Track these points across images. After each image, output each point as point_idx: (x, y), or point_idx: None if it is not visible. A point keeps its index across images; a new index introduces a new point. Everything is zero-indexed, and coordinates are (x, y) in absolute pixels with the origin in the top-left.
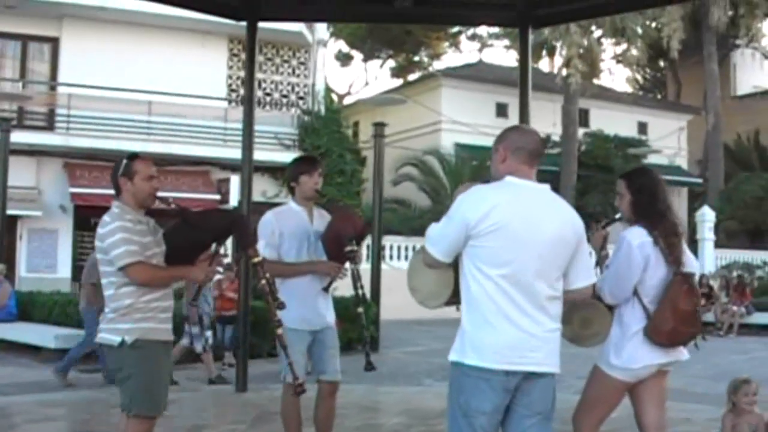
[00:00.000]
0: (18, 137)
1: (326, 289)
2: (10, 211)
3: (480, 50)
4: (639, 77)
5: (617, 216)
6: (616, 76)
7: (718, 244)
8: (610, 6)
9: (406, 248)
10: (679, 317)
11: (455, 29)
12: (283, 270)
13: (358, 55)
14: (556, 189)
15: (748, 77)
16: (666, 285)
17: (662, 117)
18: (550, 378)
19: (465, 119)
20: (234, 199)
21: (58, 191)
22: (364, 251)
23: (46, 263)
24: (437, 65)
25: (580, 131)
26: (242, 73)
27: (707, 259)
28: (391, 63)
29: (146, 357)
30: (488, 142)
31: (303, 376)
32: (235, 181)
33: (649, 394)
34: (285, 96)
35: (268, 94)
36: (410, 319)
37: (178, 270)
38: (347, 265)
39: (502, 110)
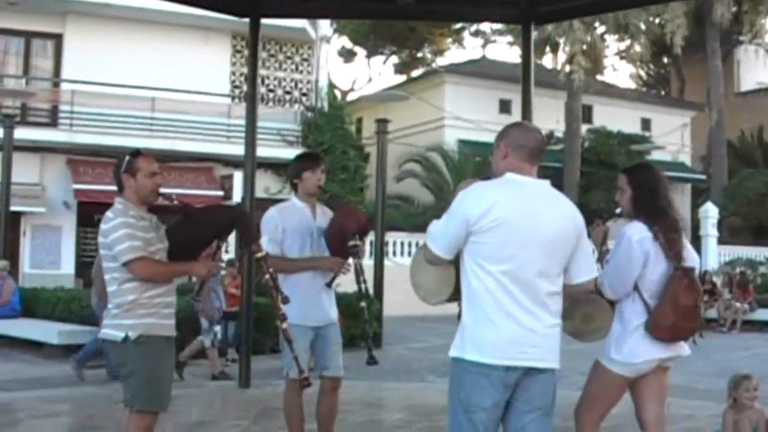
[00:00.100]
0: (21, 134)
1: (329, 285)
2: (13, 208)
3: (483, 46)
4: (642, 74)
5: (617, 211)
6: (619, 72)
7: (722, 241)
8: (611, 3)
9: (409, 244)
10: (679, 312)
11: (458, 25)
12: (286, 266)
13: (361, 52)
14: (559, 186)
15: (751, 74)
16: (666, 280)
17: (666, 113)
18: (551, 373)
19: (468, 116)
20: (237, 196)
21: (62, 188)
22: (367, 247)
23: (49, 259)
24: (440, 61)
25: (584, 128)
26: (245, 70)
27: (710, 256)
28: (394, 59)
29: (149, 353)
30: (491, 138)
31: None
32: (238, 177)
33: (650, 390)
34: (288, 92)
35: (271, 91)
36: (413, 316)
37: (181, 265)
38: (350, 260)
39: (505, 107)
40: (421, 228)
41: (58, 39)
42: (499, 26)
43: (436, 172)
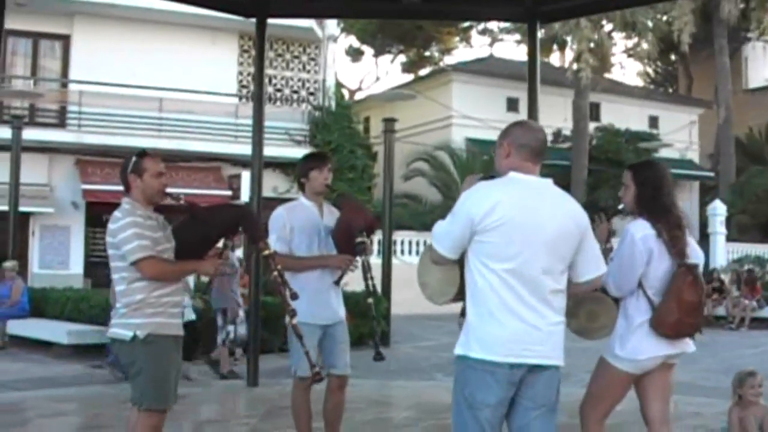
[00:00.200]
0: (30, 134)
1: (337, 283)
2: (22, 208)
3: (491, 45)
4: (650, 71)
5: (620, 207)
6: (627, 70)
7: (730, 238)
8: (616, 1)
9: (417, 243)
10: (683, 308)
11: (466, 24)
12: (295, 264)
13: (368, 51)
14: (567, 183)
15: (759, 70)
16: (670, 277)
17: (673, 111)
18: (555, 371)
19: (476, 114)
20: (245, 195)
21: (70, 188)
22: (375, 246)
23: (58, 260)
24: (448, 60)
25: (591, 126)
26: (253, 69)
27: (718, 253)
28: (401, 58)
29: (158, 352)
30: None
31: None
32: (246, 176)
33: (655, 387)
34: (295, 92)
35: (278, 90)
36: (421, 314)
37: (188, 264)
38: (357, 258)
39: (512, 105)
40: (429, 227)
41: (65, 40)
42: (506, 24)
43: (443, 170)
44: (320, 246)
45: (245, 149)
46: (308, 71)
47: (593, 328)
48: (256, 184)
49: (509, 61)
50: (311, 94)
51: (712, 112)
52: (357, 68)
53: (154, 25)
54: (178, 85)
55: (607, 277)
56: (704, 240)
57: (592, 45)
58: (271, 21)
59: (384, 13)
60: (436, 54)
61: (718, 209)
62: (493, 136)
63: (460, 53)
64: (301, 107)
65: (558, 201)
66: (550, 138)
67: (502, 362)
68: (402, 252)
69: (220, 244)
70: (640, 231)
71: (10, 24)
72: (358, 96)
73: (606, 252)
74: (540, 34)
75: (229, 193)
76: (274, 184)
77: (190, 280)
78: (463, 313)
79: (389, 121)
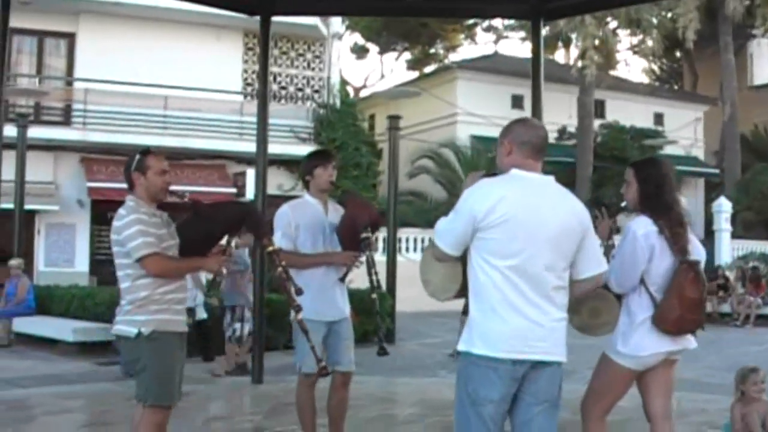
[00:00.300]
0: (35, 132)
1: (342, 280)
2: (27, 206)
3: (496, 42)
4: (655, 68)
5: (622, 205)
6: (631, 67)
7: (735, 235)
8: None
9: (422, 240)
10: (685, 305)
11: (471, 21)
12: (300, 261)
13: (373, 48)
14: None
15: (764, 67)
16: (672, 273)
17: (678, 108)
18: (557, 367)
19: (481, 111)
20: (250, 193)
21: (76, 186)
22: (380, 244)
23: (63, 257)
24: (453, 57)
25: (596, 122)
26: (257, 67)
27: (723, 250)
28: (407, 55)
29: (162, 348)
30: None
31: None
32: (251, 174)
33: (657, 383)
34: (300, 89)
35: (283, 88)
36: (426, 312)
37: (193, 261)
38: (362, 253)
39: (517, 102)
40: (434, 224)
41: (71, 38)
42: (511, 22)
43: (448, 168)
44: (325, 243)
45: (250, 147)
46: (313, 69)
47: (595, 324)
48: (261, 181)
49: (514, 58)
50: (316, 91)
51: (717, 109)
52: (362, 66)
53: (159, 23)
54: (182, 82)
55: (609, 273)
56: (709, 237)
57: (596, 42)
58: (275, 19)
59: (389, 10)
60: (441, 51)
61: (723, 206)
62: (497, 133)
63: (465, 50)
64: (305, 105)
65: (560, 198)
66: (555, 135)
67: (505, 358)
68: (407, 249)
69: (224, 240)
70: (642, 228)
71: (15, 22)
72: (363, 93)
73: (608, 248)
74: (545, 31)
75: (234, 190)
76: (278, 181)
77: (203, 277)
78: (465, 312)
79: (394, 119)
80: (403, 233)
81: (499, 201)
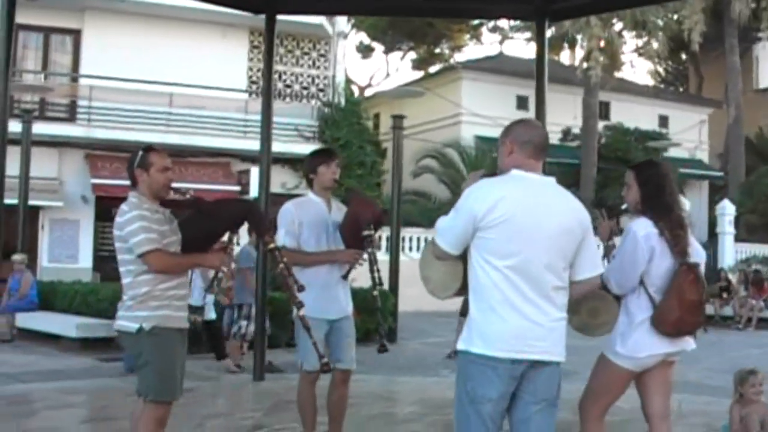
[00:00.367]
0: (40, 128)
1: (345, 278)
2: (32, 202)
3: (501, 42)
4: (660, 70)
5: (623, 207)
6: (637, 68)
7: (738, 238)
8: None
9: (426, 240)
10: (685, 307)
11: (476, 22)
12: (303, 259)
13: (379, 47)
14: (575, 181)
15: None
16: (672, 275)
17: (683, 110)
18: (556, 366)
19: (485, 112)
20: (254, 191)
21: (80, 182)
22: (383, 243)
23: (67, 253)
24: (458, 57)
25: (601, 124)
26: (262, 65)
27: (727, 253)
28: (412, 55)
29: (163, 344)
30: None
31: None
32: (255, 172)
33: (655, 383)
34: (305, 88)
35: (288, 86)
36: (428, 311)
37: (195, 257)
38: (364, 250)
39: (522, 103)
40: None
41: (76, 34)
42: (517, 22)
43: (452, 167)
44: (328, 241)
45: (255, 145)
46: (318, 67)
47: (594, 324)
48: (265, 179)
49: (519, 59)
50: (321, 90)
51: (722, 111)
52: (367, 65)
53: (164, 20)
54: (187, 80)
55: (608, 274)
56: (712, 240)
57: (602, 43)
58: (281, 17)
59: (394, 10)
60: (446, 51)
61: (727, 209)
62: None
63: (470, 51)
64: (310, 103)
65: (560, 199)
66: (559, 136)
67: (504, 358)
68: (410, 249)
69: (225, 237)
70: (642, 229)
71: (21, 18)
72: (367, 92)
73: (608, 249)
74: (550, 32)
75: (238, 188)
76: (282, 179)
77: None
78: (462, 313)
79: (398, 118)
80: (407, 233)
81: (499, 201)
